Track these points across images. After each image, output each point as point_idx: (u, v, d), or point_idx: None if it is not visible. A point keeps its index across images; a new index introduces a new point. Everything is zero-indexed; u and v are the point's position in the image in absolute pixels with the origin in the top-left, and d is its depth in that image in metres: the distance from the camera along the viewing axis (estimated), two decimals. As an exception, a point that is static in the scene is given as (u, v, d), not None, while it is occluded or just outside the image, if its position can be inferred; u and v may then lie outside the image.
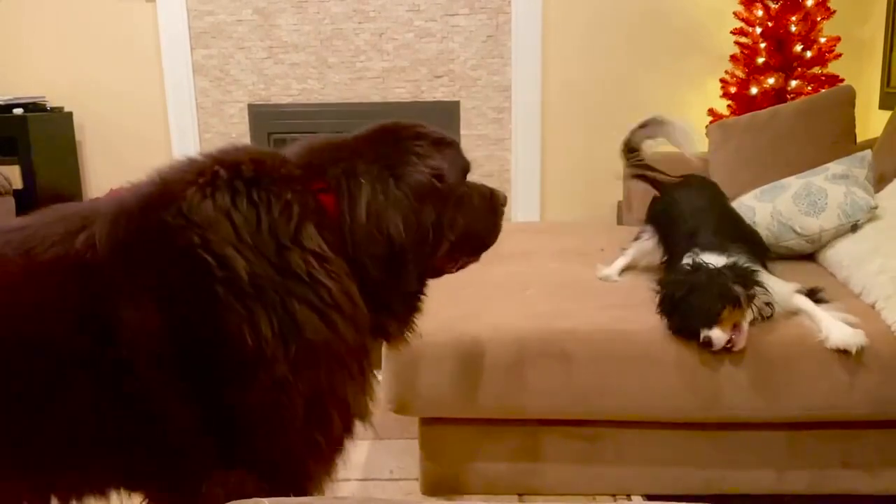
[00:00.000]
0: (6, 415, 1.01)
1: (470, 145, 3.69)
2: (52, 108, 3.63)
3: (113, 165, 3.73)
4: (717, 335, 1.63)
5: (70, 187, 3.60)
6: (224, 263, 1.03)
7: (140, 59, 3.68)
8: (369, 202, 1.13)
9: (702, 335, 1.64)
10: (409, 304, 1.25)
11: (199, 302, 1.02)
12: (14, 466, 1.05)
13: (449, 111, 3.67)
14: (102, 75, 3.70)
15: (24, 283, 1.03)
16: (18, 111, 3.42)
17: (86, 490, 1.11)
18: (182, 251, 1.04)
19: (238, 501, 0.84)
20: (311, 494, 1.14)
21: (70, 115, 3.69)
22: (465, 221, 1.29)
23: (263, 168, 1.13)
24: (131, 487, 1.14)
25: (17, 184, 3.38)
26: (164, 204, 1.07)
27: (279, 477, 1.10)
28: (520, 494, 1.84)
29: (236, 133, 3.73)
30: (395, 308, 1.22)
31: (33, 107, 3.51)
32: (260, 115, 3.71)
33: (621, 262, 2.13)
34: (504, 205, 1.43)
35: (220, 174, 1.10)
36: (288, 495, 1.06)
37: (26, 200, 3.33)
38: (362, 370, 1.17)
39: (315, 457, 1.14)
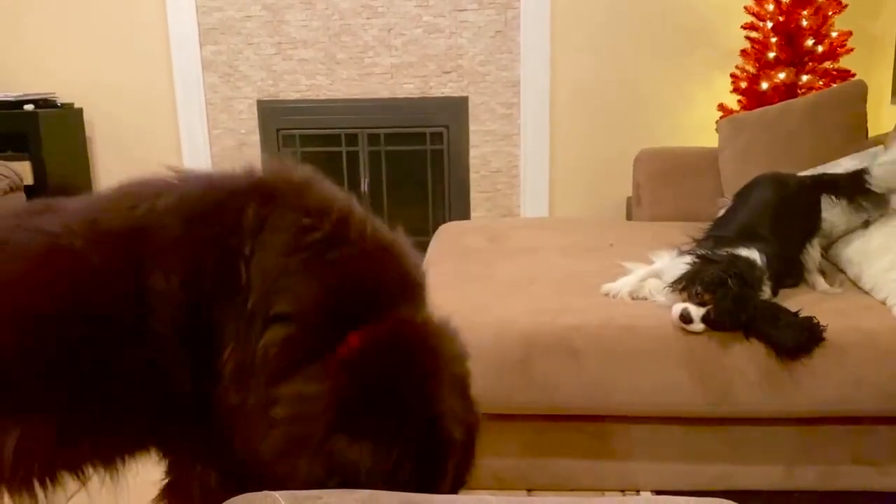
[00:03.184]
0: (73, 378, 1.03)
1: (478, 141, 3.69)
2: (63, 105, 3.64)
3: (122, 161, 3.75)
4: (694, 311, 1.69)
5: (80, 183, 3.61)
6: (248, 262, 1.05)
7: (149, 56, 3.69)
8: None
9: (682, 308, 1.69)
10: None
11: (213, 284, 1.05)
12: (79, 429, 1.07)
13: (457, 107, 3.67)
14: (112, 72, 3.72)
15: (88, 251, 1.06)
16: (29, 107, 3.44)
17: (128, 450, 1.14)
18: (226, 233, 1.06)
19: (249, 494, 0.84)
20: None
21: (80, 111, 3.70)
22: None
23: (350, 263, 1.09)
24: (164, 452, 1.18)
25: (28, 179, 3.40)
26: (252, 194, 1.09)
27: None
28: (528, 489, 1.84)
29: (245, 129, 3.74)
30: None
31: (44, 103, 3.53)
32: (269, 111, 3.71)
33: (633, 278, 1.95)
34: None
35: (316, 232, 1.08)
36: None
37: (37, 196, 3.34)
38: None
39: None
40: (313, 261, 1.05)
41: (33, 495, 1.08)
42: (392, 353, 1.04)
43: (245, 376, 1.04)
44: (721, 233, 2.04)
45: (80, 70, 3.71)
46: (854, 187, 2.06)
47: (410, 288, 1.14)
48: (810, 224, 2.07)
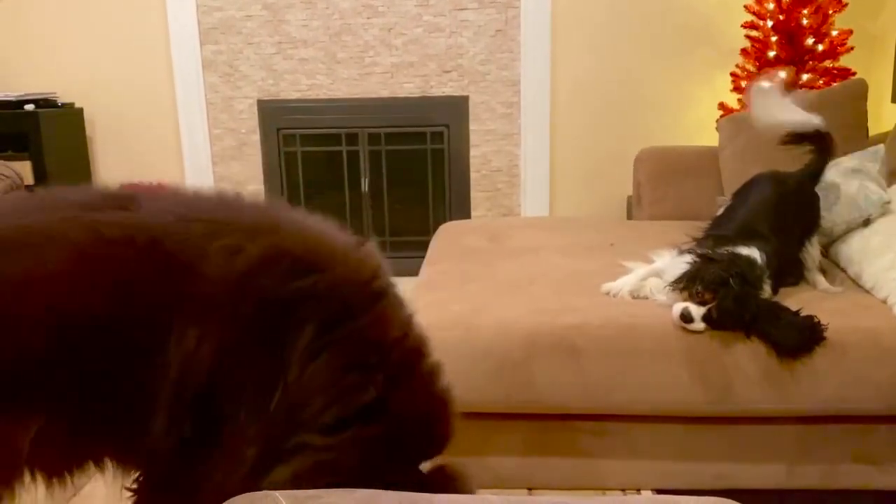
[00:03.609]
0: (89, 381, 1.00)
1: (479, 140, 3.69)
2: (63, 105, 3.64)
3: (123, 161, 3.75)
4: (695, 311, 1.69)
5: (81, 183, 3.62)
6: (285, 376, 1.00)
7: (150, 56, 3.69)
8: None
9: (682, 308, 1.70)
10: None
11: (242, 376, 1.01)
12: (86, 430, 1.05)
13: (458, 106, 3.67)
14: (113, 72, 3.72)
15: (135, 268, 1.01)
16: (30, 107, 3.44)
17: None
18: (275, 335, 1.01)
19: (249, 494, 0.84)
20: None
21: (81, 111, 3.70)
22: None
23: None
24: None
25: (29, 179, 3.41)
26: (320, 306, 1.02)
27: None
28: (529, 488, 1.84)
29: (246, 129, 3.74)
30: None
31: (44, 103, 3.53)
32: (269, 110, 3.72)
33: (633, 277, 1.95)
34: None
35: (372, 375, 1.02)
36: None
37: (38, 196, 3.35)
38: None
39: None
40: (348, 428, 0.99)
41: (48, 486, 1.07)
42: None
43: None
44: (720, 231, 2.04)
45: (80, 70, 3.71)
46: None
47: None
48: (809, 222, 2.07)
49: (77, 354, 0.99)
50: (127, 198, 1.09)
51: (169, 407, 1.00)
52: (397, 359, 1.04)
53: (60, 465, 1.08)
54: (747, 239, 1.89)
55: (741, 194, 2.18)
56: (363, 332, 1.02)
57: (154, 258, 1.00)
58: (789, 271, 1.99)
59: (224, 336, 0.99)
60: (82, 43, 3.70)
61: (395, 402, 1.02)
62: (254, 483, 0.98)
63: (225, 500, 0.90)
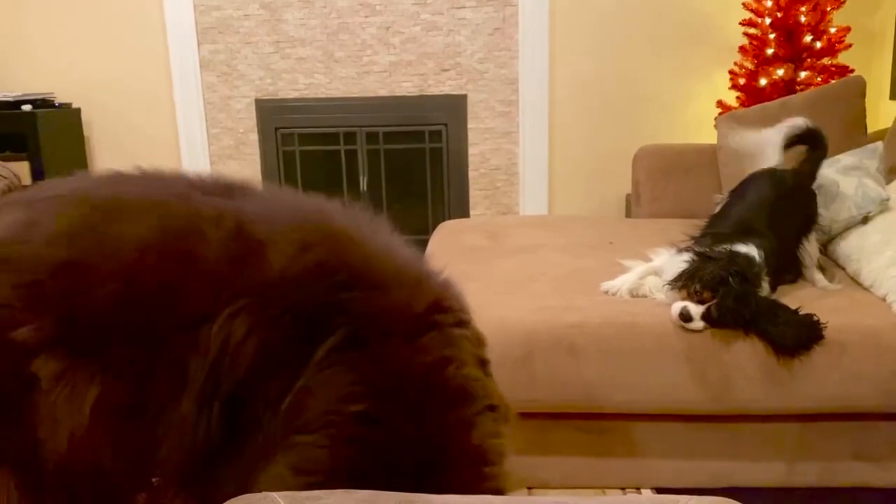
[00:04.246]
0: (143, 352, 1.03)
1: (477, 138, 3.69)
2: (61, 105, 3.64)
3: (121, 161, 3.70)
4: (694, 310, 1.69)
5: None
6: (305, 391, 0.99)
7: (147, 55, 3.68)
8: None
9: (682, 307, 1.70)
10: None
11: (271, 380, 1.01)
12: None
13: (456, 104, 3.66)
14: (110, 71, 3.71)
15: (213, 249, 1.05)
16: (27, 108, 3.44)
17: None
18: (306, 344, 1.01)
19: (248, 496, 0.84)
20: None
21: (78, 111, 3.70)
22: None
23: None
24: None
25: (27, 180, 3.40)
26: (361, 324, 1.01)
27: None
28: (529, 488, 1.84)
29: (244, 128, 3.73)
30: None
31: (42, 103, 3.52)
32: (267, 109, 3.71)
33: (632, 276, 1.95)
34: None
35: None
36: None
37: (36, 196, 3.34)
38: None
39: None
40: (341, 430, 0.97)
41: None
42: None
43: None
44: (718, 229, 2.04)
45: (77, 70, 3.71)
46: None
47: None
48: (806, 219, 2.07)
49: (136, 322, 1.02)
50: (228, 184, 1.17)
51: (199, 390, 1.00)
52: (417, 394, 1.00)
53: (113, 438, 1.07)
54: (745, 236, 1.89)
55: (738, 192, 2.18)
56: (388, 356, 1.00)
57: (236, 240, 1.04)
58: (787, 269, 1.99)
59: (268, 335, 1.00)
60: (80, 43, 3.69)
61: (397, 428, 0.98)
62: (247, 483, 0.98)
63: (226, 498, 0.89)
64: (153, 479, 1.13)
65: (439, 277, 1.13)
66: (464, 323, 1.10)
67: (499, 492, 1.03)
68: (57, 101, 3.63)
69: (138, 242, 1.05)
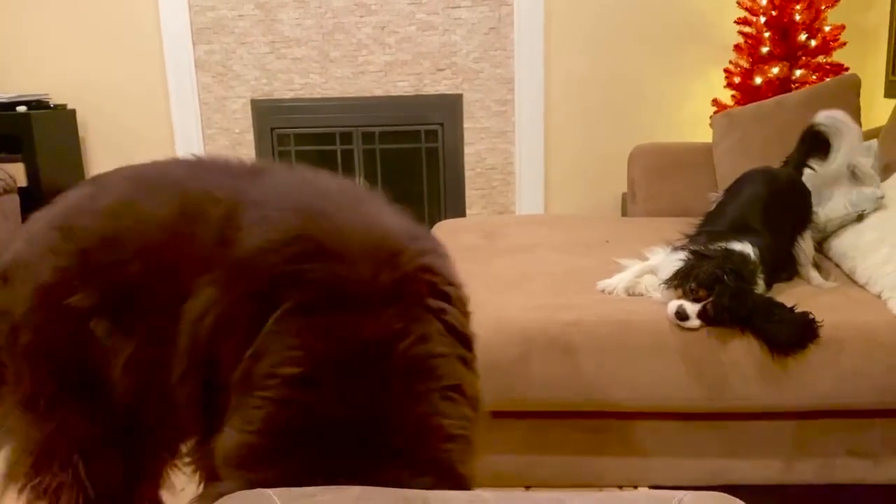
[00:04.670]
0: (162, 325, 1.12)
1: (473, 138, 3.69)
2: (56, 106, 3.63)
3: (117, 162, 3.66)
4: (690, 308, 1.69)
5: (74, 184, 3.59)
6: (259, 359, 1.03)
7: (142, 56, 3.68)
8: None
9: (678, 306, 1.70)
10: None
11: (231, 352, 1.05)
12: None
13: (452, 104, 3.66)
14: (105, 73, 3.70)
15: (200, 223, 1.13)
16: (22, 109, 3.43)
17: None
18: (263, 314, 1.03)
19: (242, 492, 0.84)
20: None
21: (73, 112, 3.69)
22: None
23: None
24: None
25: (22, 181, 3.39)
26: (314, 292, 1.04)
27: None
28: (526, 486, 1.84)
29: (239, 129, 3.73)
30: None
31: (37, 105, 3.52)
32: (263, 110, 3.71)
33: (628, 275, 1.94)
34: None
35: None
36: None
37: (31, 198, 3.34)
38: None
39: None
40: (276, 392, 0.99)
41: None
42: None
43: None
44: (713, 227, 2.05)
45: (72, 71, 3.70)
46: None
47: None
48: (801, 217, 2.08)
49: (165, 295, 1.12)
50: (253, 166, 1.26)
51: (184, 360, 1.09)
52: (363, 362, 0.99)
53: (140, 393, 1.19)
54: (740, 234, 1.89)
55: (733, 190, 2.19)
56: (335, 324, 1.00)
57: (226, 220, 1.11)
58: (782, 266, 1.99)
59: (223, 311, 1.06)
60: (74, 44, 3.68)
61: (336, 393, 0.98)
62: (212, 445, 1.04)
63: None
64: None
65: (429, 253, 1.12)
66: (444, 297, 1.09)
67: (454, 474, 1.02)
68: (52, 103, 3.63)
69: (160, 221, 1.15)
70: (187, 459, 1.25)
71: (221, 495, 0.85)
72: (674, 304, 1.71)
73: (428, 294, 1.06)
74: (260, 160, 1.33)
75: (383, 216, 1.17)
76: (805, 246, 2.04)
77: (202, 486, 1.18)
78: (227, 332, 1.05)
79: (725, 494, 0.79)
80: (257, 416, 0.98)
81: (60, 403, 1.21)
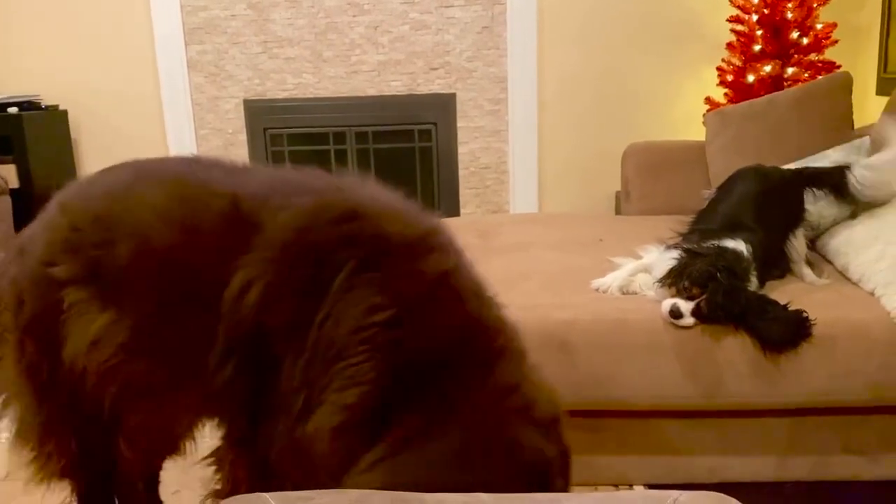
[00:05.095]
0: (167, 309, 1.19)
1: (467, 137, 3.69)
2: (47, 107, 3.61)
3: (109, 162, 3.66)
4: (684, 306, 1.70)
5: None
6: (324, 322, 1.07)
7: (134, 56, 3.66)
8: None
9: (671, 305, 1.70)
10: None
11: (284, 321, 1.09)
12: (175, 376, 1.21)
13: (445, 103, 3.66)
14: (97, 73, 3.69)
15: (213, 218, 1.18)
16: (13, 110, 3.41)
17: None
18: (316, 283, 1.09)
19: (240, 496, 0.84)
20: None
21: (65, 113, 3.67)
22: None
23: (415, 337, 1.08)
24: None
25: (14, 183, 3.37)
26: (362, 252, 1.10)
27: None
28: (522, 485, 1.84)
29: (232, 129, 3.72)
30: None
31: (28, 105, 3.50)
32: (255, 110, 3.70)
33: (622, 273, 1.94)
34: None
35: (388, 310, 1.08)
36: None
37: (23, 199, 3.32)
38: None
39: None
40: (375, 340, 1.05)
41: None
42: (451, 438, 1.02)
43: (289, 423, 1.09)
44: (706, 225, 2.05)
45: (64, 72, 3.68)
46: (836, 184, 2.08)
47: (485, 363, 1.10)
48: (793, 215, 2.08)
49: (150, 272, 1.19)
50: (244, 165, 1.33)
51: (223, 341, 1.12)
52: (432, 292, 1.10)
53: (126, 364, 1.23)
54: (732, 231, 1.90)
55: (725, 188, 2.19)
56: (399, 271, 1.09)
57: (230, 213, 1.17)
58: (775, 263, 2.00)
59: (270, 280, 1.10)
60: (66, 44, 3.67)
61: (421, 326, 1.08)
62: (297, 432, 1.07)
63: (278, 456, 1.08)
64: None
65: (426, 213, 1.24)
66: (459, 255, 1.20)
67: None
68: (43, 103, 3.61)
69: (153, 206, 1.21)
70: (212, 458, 1.25)
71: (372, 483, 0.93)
72: (668, 303, 1.71)
73: (450, 243, 1.20)
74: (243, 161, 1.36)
75: (383, 191, 1.27)
76: (797, 243, 2.05)
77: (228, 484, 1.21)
78: (277, 301, 1.09)
79: (720, 494, 0.79)
80: (365, 369, 1.03)
81: (59, 375, 1.27)
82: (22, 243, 1.31)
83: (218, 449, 1.24)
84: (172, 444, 1.48)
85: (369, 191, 1.24)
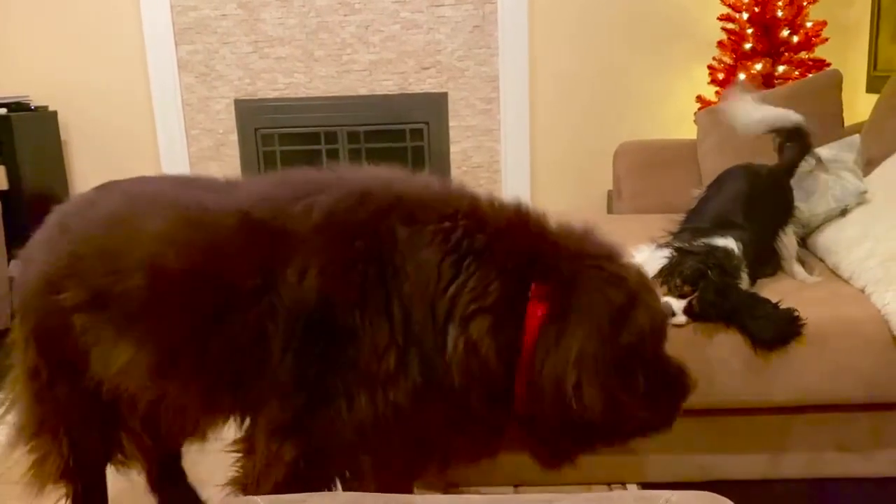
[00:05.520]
0: (188, 325, 1.23)
1: (459, 136, 3.69)
2: (37, 108, 3.58)
3: (99, 164, 3.70)
4: (675, 305, 1.70)
5: (56, 187, 3.56)
6: (397, 277, 1.15)
7: (124, 57, 3.65)
8: (574, 359, 1.15)
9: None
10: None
11: (352, 291, 1.16)
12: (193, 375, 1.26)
13: (437, 103, 3.66)
14: (87, 73, 3.67)
15: (233, 230, 1.24)
16: (2, 111, 3.38)
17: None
18: (370, 250, 1.17)
19: (233, 499, 0.84)
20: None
21: (55, 114, 3.65)
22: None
23: (498, 240, 1.21)
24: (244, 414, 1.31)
25: (3, 184, 3.34)
26: (395, 214, 1.20)
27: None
28: (515, 485, 1.84)
29: (223, 129, 3.71)
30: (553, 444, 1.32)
31: (17, 106, 3.47)
32: (246, 110, 3.69)
33: None
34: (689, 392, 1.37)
35: (456, 230, 1.20)
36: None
37: (12, 201, 3.29)
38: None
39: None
40: (466, 255, 1.17)
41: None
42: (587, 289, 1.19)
43: (420, 372, 1.16)
44: (696, 223, 2.05)
45: (54, 72, 3.66)
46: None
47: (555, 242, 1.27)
48: (783, 212, 2.09)
49: (171, 298, 1.23)
50: (229, 184, 1.38)
51: (283, 340, 1.17)
52: (466, 211, 1.24)
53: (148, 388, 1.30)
54: (723, 229, 1.90)
55: (715, 186, 2.19)
56: (458, 221, 1.21)
57: (245, 226, 1.23)
58: (766, 261, 2.00)
59: (324, 260, 1.17)
60: (55, 44, 3.64)
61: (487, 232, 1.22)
62: (389, 395, 1.15)
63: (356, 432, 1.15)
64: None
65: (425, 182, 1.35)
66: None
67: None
68: (33, 104, 3.58)
69: (157, 235, 1.25)
70: (240, 446, 1.28)
71: None
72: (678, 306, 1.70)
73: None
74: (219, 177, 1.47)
75: (388, 171, 1.34)
76: (787, 241, 2.05)
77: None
78: (338, 276, 1.16)
79: (712, 493, 0.79)
80: (480, 275, 1.15)
81: (57, 381, 1.38)
82: (25, 259, 1.40)
83: (247, 437, 1.27)
84: (193, 431, 1.50)
85: (363, 172, 1.32)
